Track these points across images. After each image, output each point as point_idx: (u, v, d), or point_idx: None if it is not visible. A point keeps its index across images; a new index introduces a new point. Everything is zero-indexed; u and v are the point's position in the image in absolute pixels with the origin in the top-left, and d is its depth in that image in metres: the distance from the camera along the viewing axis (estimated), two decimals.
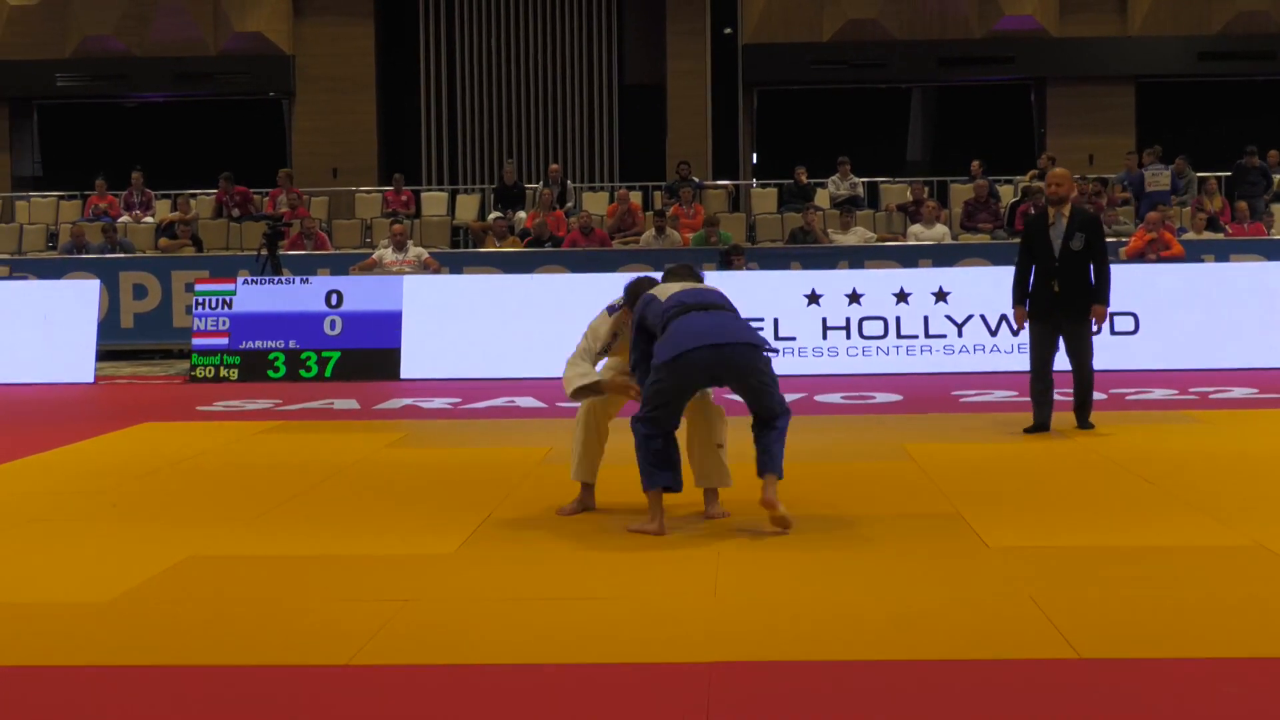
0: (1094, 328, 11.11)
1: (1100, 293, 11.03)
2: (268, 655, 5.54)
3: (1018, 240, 12.23)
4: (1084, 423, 11.17)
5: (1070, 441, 10.71)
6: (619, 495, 8.48)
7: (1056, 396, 11.23)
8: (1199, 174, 23.51)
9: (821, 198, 23.73)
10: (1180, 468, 9.53)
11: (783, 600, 6.29)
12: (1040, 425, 11.14)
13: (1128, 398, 13.51)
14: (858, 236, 21.12)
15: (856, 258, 19.90)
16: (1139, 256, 18.62)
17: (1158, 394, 13.81)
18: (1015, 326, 11.43)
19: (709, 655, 5.41)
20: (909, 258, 19.86)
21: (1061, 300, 10.99)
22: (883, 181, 25.06)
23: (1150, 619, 5.87)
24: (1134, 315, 16.04)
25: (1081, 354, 11.13)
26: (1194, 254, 19.23)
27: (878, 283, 16.72)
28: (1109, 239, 19.94)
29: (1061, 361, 11.17)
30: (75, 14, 27.90)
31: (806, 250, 20.26)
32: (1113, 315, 14.21)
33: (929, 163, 28.75)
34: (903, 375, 15.71)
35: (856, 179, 24.15)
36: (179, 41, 28.01)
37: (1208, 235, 20.72)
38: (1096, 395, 11.40)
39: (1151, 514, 8.07)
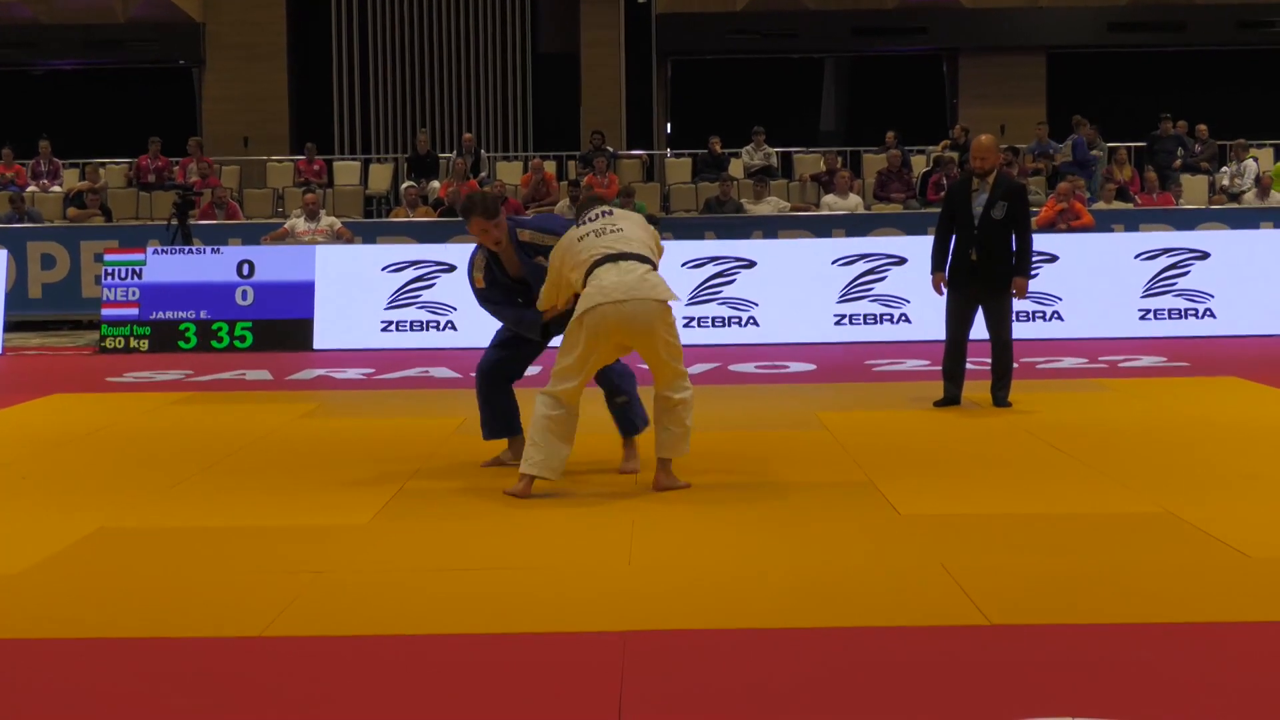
0: (1014, 300, 10.98)
1: (1022, 264, 10.79)
2: (180, 627, 5.51)
3: (930, 210, 12.20)
4: (1001, 400, 10.92)
5: (982, 411, 10.79)
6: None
7: (971, 367, 11.18)
8: (1109, 144, 23.73)
9: (735, 168, 23.78)
10: (1090, 436, 9.63)
11: (697, 568, 6.31)
12: (950, 399, 11.00)
13: (1038, 366, 13.65)
14: (772, 206, 21.18)
15: (770, 228, 19.97)
16: (1049, 226, 18.79)
17: (1068, 363, 13.95)
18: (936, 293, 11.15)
19: (623, 624, 5.43)
20: (822, 228, 19.95)
21: (979, 270, 10.74)
22: (797, 152, 25.13)
23: (1060, 586, 5.94)
24: (1044, 284, 16.18)
25: (1000, 327, 10.90)
26: (1104, 224, 19.44)
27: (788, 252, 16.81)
28: None
29: (979, 332, 10.99)
30: None
31: (721, 220, 20.30)
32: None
33: (842, 133, 28.86)
34: (817, 345, 15.79)
35: (770, 149, 24.20)
36: (87, 8, 27.65)
37: (1117, 205, 20.93)
38: None
39: (1061, 482, 8.16)
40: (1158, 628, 5.36)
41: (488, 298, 8.39)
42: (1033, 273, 11.31)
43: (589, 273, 7.79)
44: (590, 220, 8.04)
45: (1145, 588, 5.92)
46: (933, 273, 11.07)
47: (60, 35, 27.75)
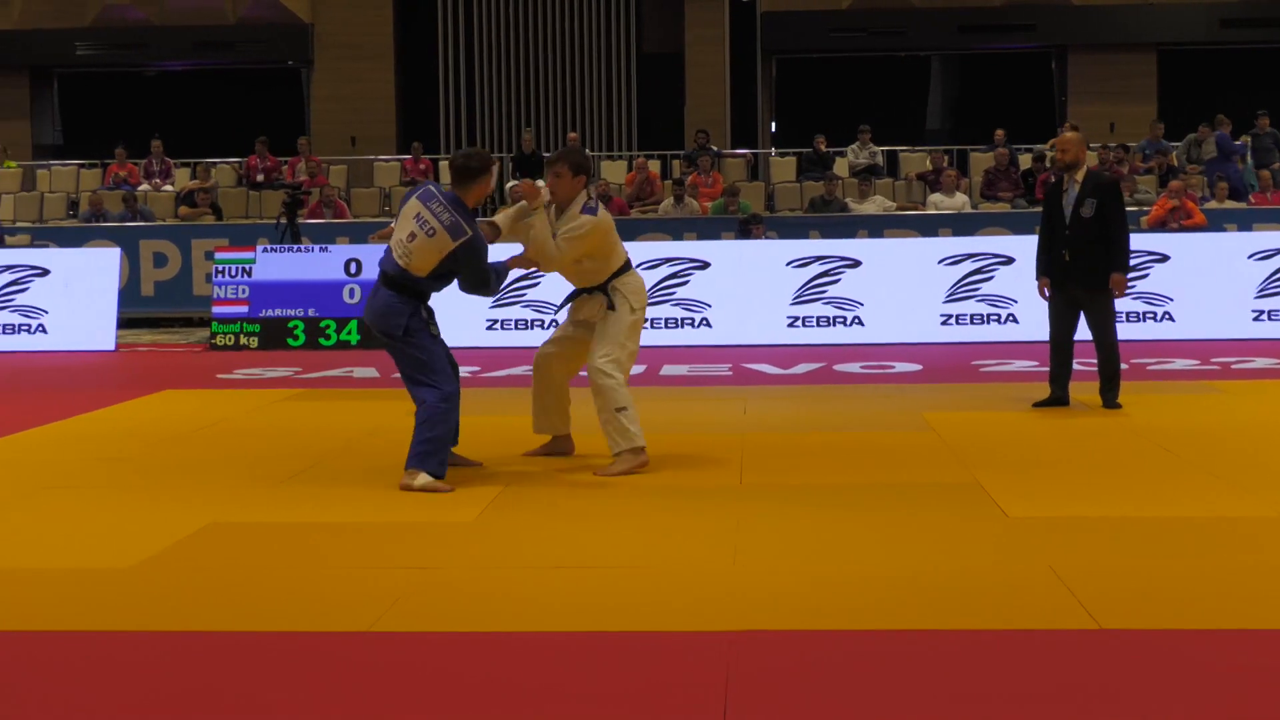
0: (1119, 299, 10.81)
1: (1116, 260, 10.58)
2: (289, 621, 5.56)
3: (1037, 209, 12.05)
4: (1110, 403, 10.75)
5: (1091, 412, 10.67)
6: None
7: (1079, 367, 11.04)
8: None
9: (840, 166, 23.66)
10: (1201, 438, 9.51)
11: (802, 569, 6.29)
12: (1054, 400, 10.86)
13: (1149, 368, 13.48)
14: (877, 205, 21.07)
15: (876, 227, 19.86)
16: (1160, 225, 18.55)
17: (1179, 364, 13.77)
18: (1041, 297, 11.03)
19: (728, 624, 5.42)
20: (929, 227, 19.82)
21: (1073, 269, 10.60)
22: (902, 150, 24.96)
23: (1170, 589, 5.86)
24: (1154, 285, 15.98)
25: (1100, 327, 10.73)
26: (1216, 223, 19.16)
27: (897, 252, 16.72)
28: (1130, 208, 19.92)
29: (1085, 332, 10.84)
30: None
31: (825, 219, 20.22)
32: (1129, 284, 14.17)
33: (949, 131, 28.65)
34: (923, 345, 15.68)
35: (876, 147, 24.07)
36: (198, 10, 27.99)
37: (1230, 204, 20.63)
38: None
39: (1172, 484, 8.05)
40: (1272, 634, 5.27)
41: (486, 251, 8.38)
42: (1143, 272, 11.16)
43: (626, 268, 8.63)
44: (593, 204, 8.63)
45: (1257, 592, 5.83)
46: (1037, 277, 10.95)
47: (172, 36, 28.12)
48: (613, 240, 8.60)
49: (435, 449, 8.01)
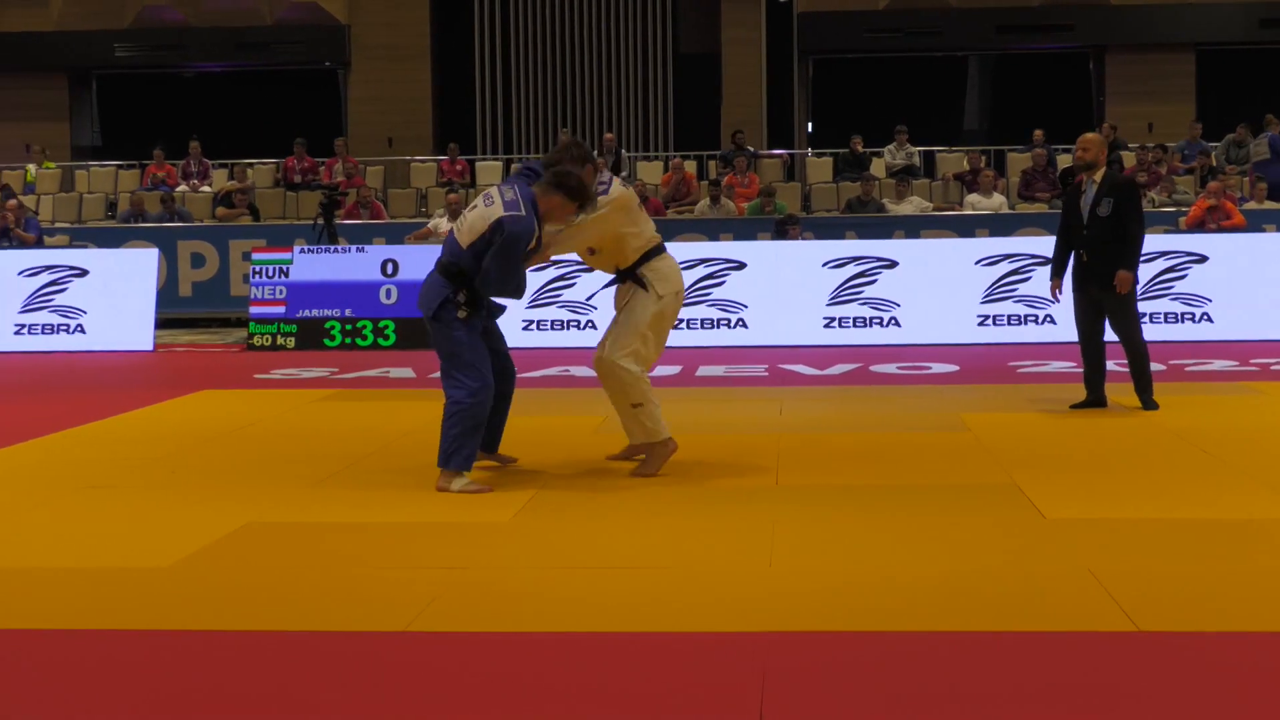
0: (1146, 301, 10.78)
1: (1126, 258, 10.51)
2: (326, 621, 5.58)
3: None
4: (1148, 404, 10.71)
5: (1129, 414, 10.62)
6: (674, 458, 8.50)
7: (1114, 368, 11.00)
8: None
9: (877, 167, 23.62)
10: (1240, 440, 9.45)
11: (838, 570, 6.27)
12: (1090, 402, 10.84)
13: (1187, 369, 13.41)
14: (914, 206, 21.02)
15: (912, 227, 19.82)
16: (1199, 226, 18.46)
17: (1217, 365, 13.69)
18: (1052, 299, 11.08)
19: (764, 625, 5.41)
20: (966, 227, 19.76)
21: (1090, 270, 10.62)
22: (939, 150, 24.91)
23: (1209, 592, 5.83)
24: (1193, 286, 15.90)
25: (1123, 326, 10.70)
26: (1255, 224, 19.06)
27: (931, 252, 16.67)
28: (1169, 208, 19.85)
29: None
30: None
31: (862, 220, 20.18)
32: (1167, 284, 14.10)
33: (986, 132, 28.57)
34: (960, 346, 15.64)
35: (913, 148, 24.02)
36: (235, 11, 28.13)
37: (1270, 204, 20.52)
38: (1154, 367, 11.05)
39: (1211, 486, 8.01)
40: None
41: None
42: (1182, 273, 11.11)
43: (656, 252, 8.36)
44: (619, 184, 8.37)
45: None
46: (1050, 278, 11.00)
47: (209, 38, 28.27)
48: (634, 220, 8.34)
49: (460, 445, 7.98)
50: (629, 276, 8.41)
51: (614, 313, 8.58)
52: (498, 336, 8.38)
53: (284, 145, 24.77)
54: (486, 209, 7.96)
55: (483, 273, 7.94)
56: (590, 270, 15.88)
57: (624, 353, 8.31)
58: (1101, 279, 10.60)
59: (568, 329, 16.17)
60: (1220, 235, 17.56)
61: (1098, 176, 10.65)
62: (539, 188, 8.00)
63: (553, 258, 8.52)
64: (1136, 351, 10.74)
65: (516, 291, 8.10)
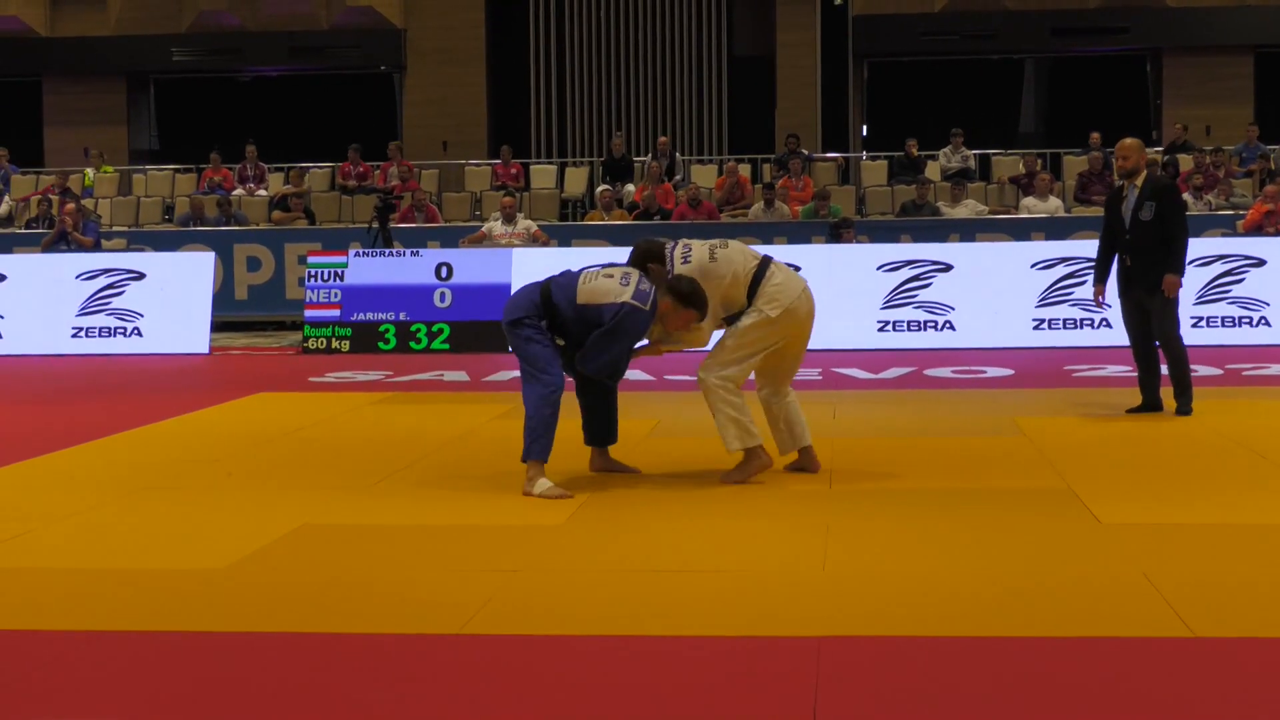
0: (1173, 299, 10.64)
1: (1171, 261, 10.45)
2: (381, 623, 5.60)
3: None
4: (1183, 408, 10.61)
5: (1184, 418, 10.54)
6: (713, 464, 8.50)
7: (1196, 375, 10.84)
8: None
9: (932, 170, 23.54)
10: None
11: (892, 575, 6.26)
12: (1147, 405, 10.77)
13: (1244, 373, 13.31)
14: (969, 209, 20.94)
15: (968, 231, 19.74)
16: (1256, 229, 18.32)
17: (1276, 369, 13.59)
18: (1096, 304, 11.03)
19: (817, 629, 5.40)
20: (1021, 231, 19.68)
21: (1134, 274, 10.56)
22: (994, 153, 24.82)
23: (1266, 597, 5.79)
24: (1250, 289, 15.79)
25: (1164, 330, 10.60)
26: None
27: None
28: (1226, 211, 19.70)
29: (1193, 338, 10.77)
30: None
31: (917, 223, 20.12)
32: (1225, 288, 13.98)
33: (1042, 135, 28.46)
34: (1015, 349, 15.56)
35: (968, 151, 23.93)
36: (291, 16, 28.30)
37: None
38: (1210, 371, 10.99)
39: (1267, 491, 7.95)
40: None
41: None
42: (1239, 277, 11.03)
43: (760, 276, 8.26)
44: (681, 257, 8.27)
45: None
46: (1093, 284, 10.97)
47: (266, 42, 28.44)
48: (714, 285, 8.18)
49: (533, 439, 8.00)
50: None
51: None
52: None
53: (340, 149, 24.89)
54: (620, 286, 7.99)
55: (585, 349, 8.06)
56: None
57: (712, 363, 8.30)
58: (1146, 282, 10.54)
59: None
60: (1278, 239, 17.41)
61: (1139, 181, 10.59)
62: (660, 290, 8.06)
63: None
64: (1176, 355, 10.68)
65: (613, 376, 8.27)
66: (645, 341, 8.33)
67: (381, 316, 16.59)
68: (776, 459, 8.60)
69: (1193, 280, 14.46)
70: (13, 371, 15.27)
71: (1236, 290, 15.70)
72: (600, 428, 8.56)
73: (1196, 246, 14.33)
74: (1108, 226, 10.84)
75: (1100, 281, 10.87)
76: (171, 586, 6.19)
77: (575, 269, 8.33)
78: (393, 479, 8.62)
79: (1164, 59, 27.43)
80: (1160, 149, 23.45)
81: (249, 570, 6.45)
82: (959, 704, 4.64)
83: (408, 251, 17.20)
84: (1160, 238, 10.48)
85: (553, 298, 8.06)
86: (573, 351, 8.18)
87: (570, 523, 7.37)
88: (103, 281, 17.22)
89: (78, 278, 17.25)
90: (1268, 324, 15.78)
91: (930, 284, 16.21)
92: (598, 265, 8.27)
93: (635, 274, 8.10)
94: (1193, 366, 10.86)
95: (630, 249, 8.41)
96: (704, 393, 8.35)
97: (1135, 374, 11.06)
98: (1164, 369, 10.79)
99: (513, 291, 15.17)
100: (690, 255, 8.26)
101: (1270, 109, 26.04)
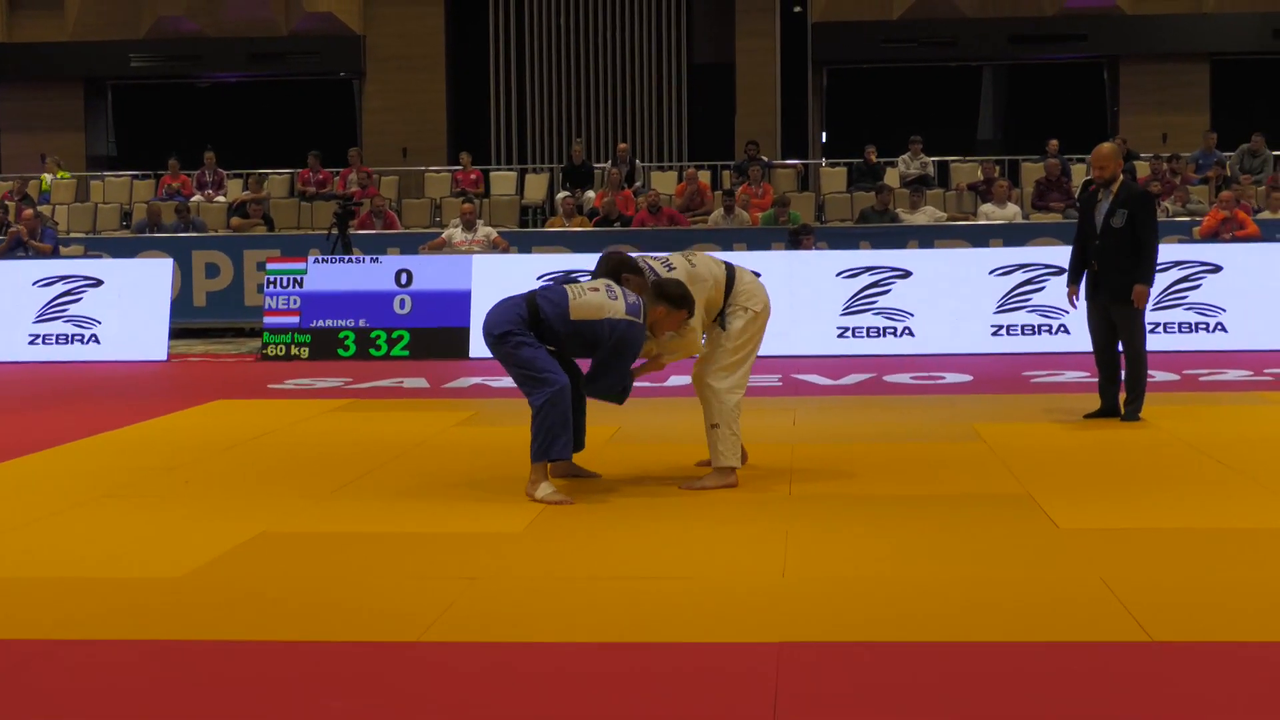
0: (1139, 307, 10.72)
1: (1141, 271, 10.49)
2: (339, 631, 5.58)
3: None
4: (1132, 414, 10.64)
5: (1143, 423, 10.60)
6: (674, 470, 8.50)
7: (1155, 380, 10.90)
8: (1275, 152, 23.24)
9: (891, 177, 23.60)
10: (1254, 450, 9.43)
11: (851, 580, 6.27)
12: (1105, 410, 10.81)
13: (1201, 379, 13.39)
14: (928, 216, 21.01)
15: (926, 237, 19.80)
16: (1213, 236, 18.43)
17: (1232, 375, 13.67)
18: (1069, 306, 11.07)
19: (777, 635, 5.41)
20: (980, 237, 19.74)
21: (1101, 279, 10.61)
22: (953, 160, 24.91)
23: (1222, 601, 5.82)
24: (1207, 295, 15.87)
25: (1127, 336, 10.64)
26: (1269, 233, 19.02)
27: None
28: (1183, 217, 19.81)
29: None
30: None
31: (876, 230, 20.17)
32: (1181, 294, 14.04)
33: (1000, 142, 28.58)
34: (974, 355, 15.62)
35: (927, 158, 24.01)
36: (251, 22, 28.21)
37: None
38: (1167, 376, 11.01)
39: (1225, 496, 8.00)
40: None
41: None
42: (1196, 283, 11.07)
43: (731, 285, 8.44)
44: (663, 266, 8.38)
45: None
46: (1067, 285, 10.99)
47: (225, 48, 28.35)
48: (699, 287, 8.30)
49: (552, 437, 7.95)
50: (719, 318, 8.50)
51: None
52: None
53: (299, 155, 24.82)
54: (609, 300, 7.99)
55: (590, 372, 8.09)
56: None
57: (716, 368, 8.36)
58: (1112, 289, 10.59)
59: None
60: (1234, 245, 17.51)
61: (1114, 187, 10.63)
62: (646, 299, 8.07)
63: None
64: (1138, 362, 10.72)
65: (620, 396, 8.25)
66: (644, 360, 8.40)
67: (341, 323, 16.54)
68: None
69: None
70: None
71: (1193, 296, 15.78)
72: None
73: None
74: (1081, 230, 10.88)
75: (1074, 282, 10.91)
76: (129, 595, 6.16)
77: (553, 283, 8.34)
78: (352, 486, 8.60)
79: (1121, 66, 27.57)
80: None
81: (207, 578, 6.43)
82: (918, 709, 4.65)
83: (367, 258, 17.16)
84: (1130, 245, 10.52)
85: (541, 312, 8.02)
86: (564, 362, 8.21)
87: (530, 530, 7.37)
88: (60, 288, 17.12)
89: (35, 284, 17.16)
90: (1224, 330, 15.87)
91: (889, 290, 16.25)
92: (584, 276, 8.29)
93: (618, 287, 8.11)
94: (1150, 372, 10.92)
95: (597, 258, 8.43)
96: (709, 399, 8.35)
97: (1093, 379, 11.11)
98: (1163, 375, 10.82)
99: (474, 301, 15.11)
100: (672, 264, 8.38)
101: (1226, 116, 26.20)
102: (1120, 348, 10.76)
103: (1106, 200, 10.63)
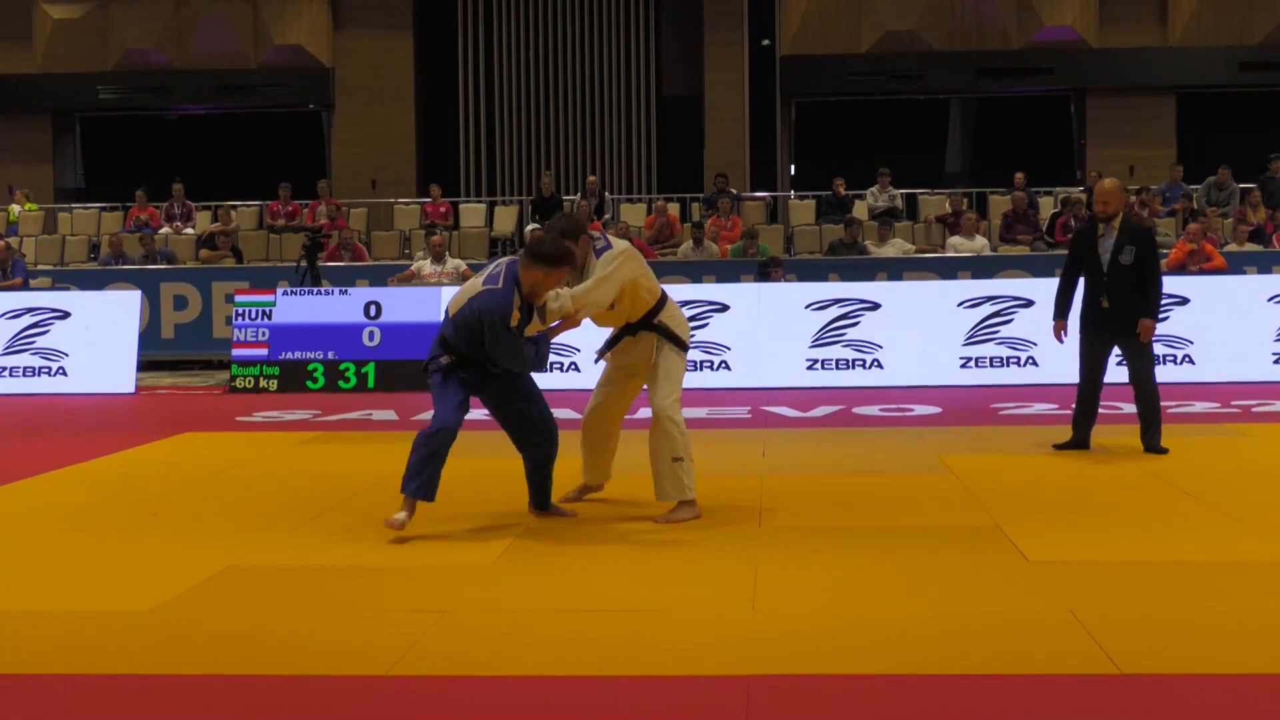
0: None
1: (1149, 307, 10.60)
2: (307, 665, 5.56)
3: (1058, 252, 11.98)
4: (1154, 446, 10.71)
5: (1111, 456, 10.64)
6: (643, 502, 8.50)
7: (1103, 411, 11.00)
8: (1241, 185, 23.39)
9: (860, 209, 23.68)
10: (1222, 481, 9.47)
11: (821, 613, 6.27)
12: (1076, 442, 10.87)
13: (1169, 411, 13.41)
14: (896, 248, 21.07)
15: (895, 269, 19.86)
16: (1180, 268, 18.53)
17: (1199, 407, 13.72)
18: (1057, 340, 11.05)
19: (747, 668, 5.40)
20: (948, 270, 19.81)
21: (1111, 316, 10.61)
22: (921, 193, 25.00)
23: (1192, 634, 5.83)
24: (1174, 327, 15.95)
25: (1140, 371, 10.71)
26: (1236, 266, 19.13)
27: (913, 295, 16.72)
28: None
29: (1114, 375, 10.85)
30: (117, 27, 28.13)
31: (845, 262, 20.22)
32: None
33: (968, 174, 28.70)
34: (942, 388, 15.65)
35: (895, 190, 24.09)
36: (219, 54, 28.20)
37: (1250, 247, 20.60)
38: (1133, 408, 11.03)
39: (1194, 528, 8.02)
40: None
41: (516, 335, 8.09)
42: (1162, 316, 11.11)
43: (665, 300, 8.55)
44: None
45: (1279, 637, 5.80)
46: (1054, 319, 10.96)
47: (193, 80, 28.31)
48: (646, 270, 8.42)
49: (415, 472, 7.99)
50: (644, 327, 8.45)
51: (614, 365, 8.69)
52: (529, 398, 8.32)
53: (268, 187, 24.79)
54: (476, 282, 8.03)
55: (488, 353, 7.99)
56: None
57: (673, 401, 8.34)
58: (1123, 325, 10.62)
59: (550, 370, 16.16)
60: (1201, 277, 17.61)
61: (1116, 223, 10.65)
62: (520, 263, 7.98)
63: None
64: (1151, 396, 10.77)
65: (534, 364, 8.08)
66: (555, 323, 8.11)
67: (310, 355, 16.50)
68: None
69: None
70: None
71: (1161, 329, 15.75)
72: (534, 494, 8.55)
73: None
74: (1074, 264, 10.84)
75: (1062, 317, 10.89)
76: (96, 629, 6.12)
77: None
78: (320, 519, 8.57)
79: (1088, 99, 27.73)
80: (1083, 189, 23.67)
81: (175, 613, 6.40)
82: None
83: (336, 290, 17.13)
84: (1140, 282, 10.56)
85: (441, 329, 8.14)
86: (482, 361, 8.12)
87: (499, 563, 7.35)
88: (27, 320, 17.05)
89: (2, 316, 17.08)
90: (1191, 361, 15.94)
91: (858, 322, 16.28)
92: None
93: (490, 269, 8.11)
94: (1116, 404, 10.96)
95: None
96: (669, 431, 8.27)
97: (1062, 411, 11.12)
98: (1101, 410, 10.86)
99: None
100: (614, 242, 8.34)
101: (1192, 149, 26.36)
102: (1129, 381, 10.79)
103: (1110, 236, 10.61)
